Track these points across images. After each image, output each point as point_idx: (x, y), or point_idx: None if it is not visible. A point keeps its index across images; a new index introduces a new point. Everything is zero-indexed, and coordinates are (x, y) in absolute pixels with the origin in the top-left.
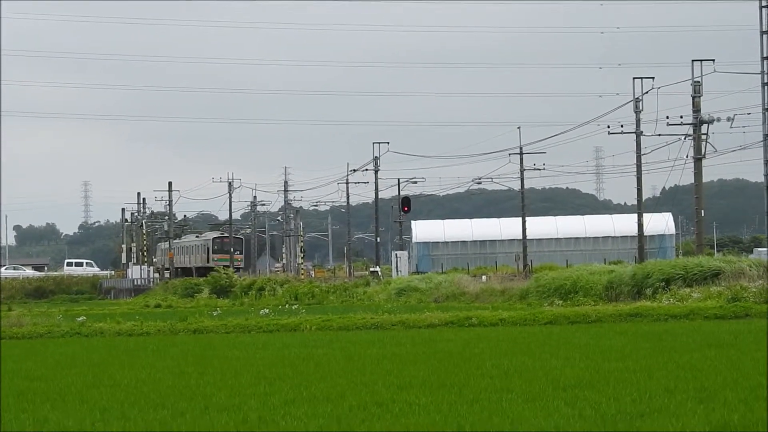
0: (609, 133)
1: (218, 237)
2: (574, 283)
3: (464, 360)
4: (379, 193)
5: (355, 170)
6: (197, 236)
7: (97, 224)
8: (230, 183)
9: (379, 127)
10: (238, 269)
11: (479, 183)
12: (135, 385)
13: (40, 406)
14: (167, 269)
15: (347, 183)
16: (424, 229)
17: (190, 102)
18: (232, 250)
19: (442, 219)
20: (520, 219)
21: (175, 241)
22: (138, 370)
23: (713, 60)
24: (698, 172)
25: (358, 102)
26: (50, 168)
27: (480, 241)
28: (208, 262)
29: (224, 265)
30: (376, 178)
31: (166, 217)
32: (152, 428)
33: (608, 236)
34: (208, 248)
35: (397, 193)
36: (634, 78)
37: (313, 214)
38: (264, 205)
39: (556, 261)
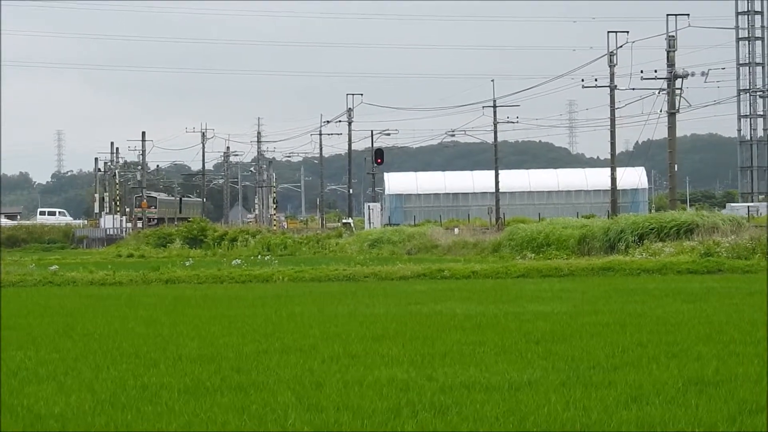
0: (583, 86)
1: (138, 196)
2: (547, 236)
3: (436, 313)
4: (353, 144)
5: (328, 122)
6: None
7: (70, 173)
8: (203, 133)
9: (353, 78)
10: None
11: (452, 135)
12: (108, 335)
13: (13, 354)
14: (140, 219)
15: (320, 134)
16: (397, 181)
17: (164, 52)
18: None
19: (415, 171)
20: (493, 172)
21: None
22: (110, 320)
23: (688, 15)
24: (672, 127)
25: (332, 53)
26: (23, 117)
27: (453, 193)
28: None
29: (138, 217)
30: (350, 130)
31: (140, 167)
32: (125, 378)
33: (581, 190)
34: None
35: (371, 145)
36: (608, 32)
37: (286, 166)
38: (237, 155)
39: (528, 214)
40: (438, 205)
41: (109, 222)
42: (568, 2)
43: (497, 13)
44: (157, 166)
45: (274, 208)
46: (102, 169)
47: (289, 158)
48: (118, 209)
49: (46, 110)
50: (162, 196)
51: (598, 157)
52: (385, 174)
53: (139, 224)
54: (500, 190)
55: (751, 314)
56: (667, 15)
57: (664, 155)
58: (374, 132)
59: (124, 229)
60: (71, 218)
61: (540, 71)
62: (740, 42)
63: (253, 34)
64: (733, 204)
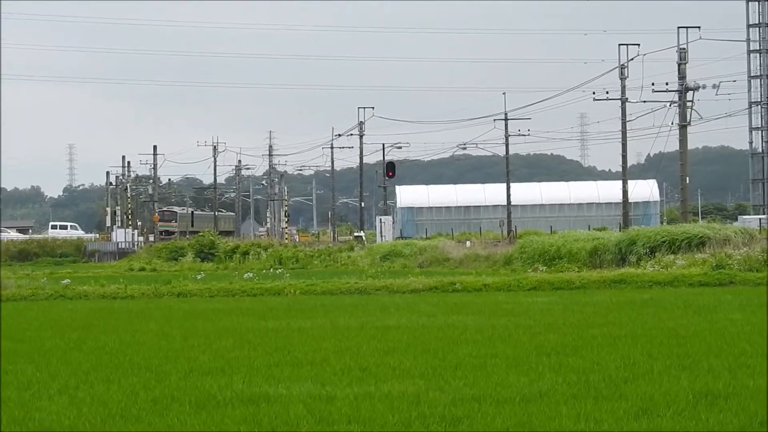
0: (594, 99)
1: (160, 210)
2: (559, 249)
3: (447, 325)
4: (364, 158)
5: (340, 135)
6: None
7: (81, 187)
8: (215, 147)
9: (365, 92)
10: (172, 233)
11: (464, 148)
12: (119, 348)
13: (24, 367)
14: (160, 232)
15: (332, 148)
16: (408, 195)
17: (177, 64)
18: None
19: (427, 184)
20: (504, 185)
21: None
22: (122, 333)
23: (699, 27)
24: (683, 139)
25: (344, 67)
26: (35, 130)
27: (464, 206)
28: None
29: (164, 230)
30: (361, 143)
31: (151, 181)
32: (136, 391)
33: (593, 203)
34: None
35: (382, 158)
36: (619, 44)
37: (298, 179)
38: (249, 169)
39: (540, 227)
40: (450, 218)
41: (120, 235)
42: (580, 15)
43: (508, 26)
44: (169, 179)
45: (286, 222)
46: (113, 183)
47: (300, 171)
48: (130, 223)
49: (58, 124)
50: (187, 210)
51: (609, 169)
52: (397, 187)
53: (151, 238)
54: (512, 203)
55: (762, 327)
56: (678, 28)
57: (675, 168)
58: (386, 145)
59: (136, 243)
60: (83, 232)
61: (551, 84)
62: (751, 54)
63: (266, 47)
64: (744, 216)
